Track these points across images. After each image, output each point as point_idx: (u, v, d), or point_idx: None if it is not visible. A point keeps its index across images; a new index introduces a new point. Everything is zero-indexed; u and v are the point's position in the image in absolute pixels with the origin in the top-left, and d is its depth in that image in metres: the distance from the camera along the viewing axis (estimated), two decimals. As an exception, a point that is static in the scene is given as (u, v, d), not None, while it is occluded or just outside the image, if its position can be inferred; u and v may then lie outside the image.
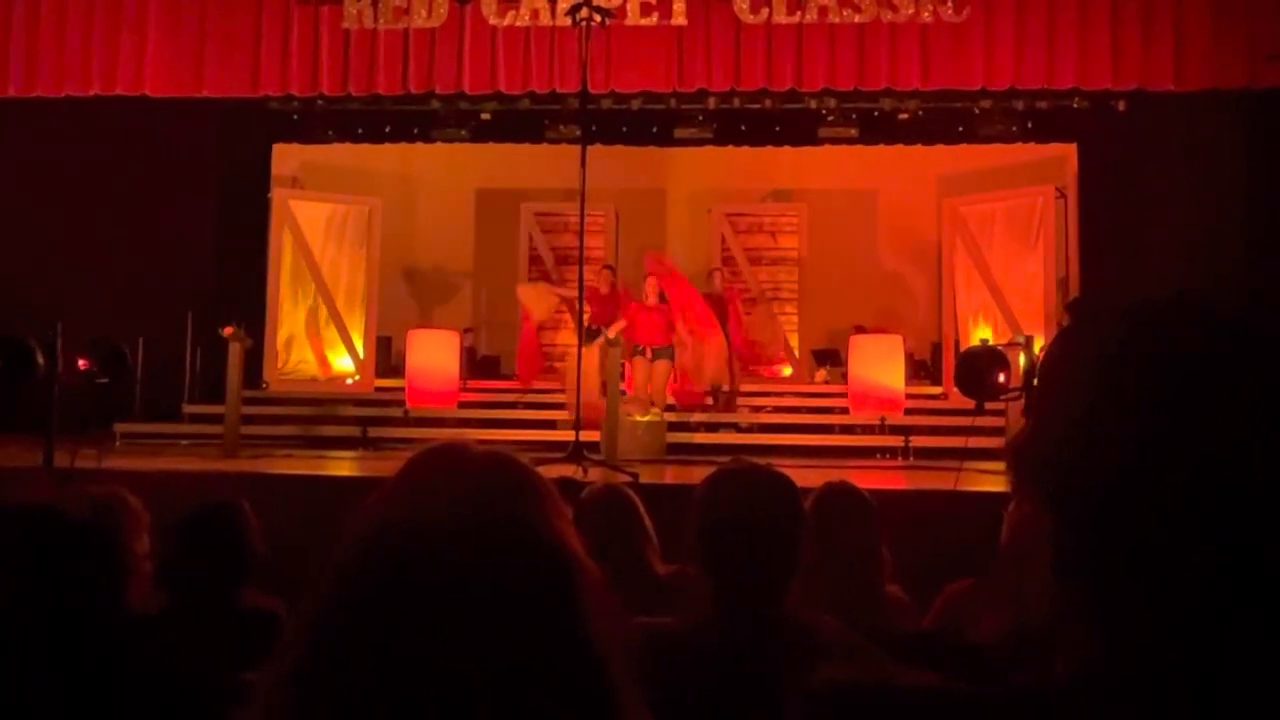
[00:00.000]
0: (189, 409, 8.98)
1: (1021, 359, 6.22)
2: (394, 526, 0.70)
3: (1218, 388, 0.60)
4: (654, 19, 8.37)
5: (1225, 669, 0.59)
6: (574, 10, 6.14)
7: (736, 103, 9.69)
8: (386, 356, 10.34)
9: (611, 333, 7.89)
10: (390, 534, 0.69)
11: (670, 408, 8.37)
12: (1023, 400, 5.84)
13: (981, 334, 8.90)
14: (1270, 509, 0.58)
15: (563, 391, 8.34)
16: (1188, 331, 0.63)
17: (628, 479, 4.93)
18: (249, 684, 0.72)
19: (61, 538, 1.61)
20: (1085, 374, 0.65)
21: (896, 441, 8.30)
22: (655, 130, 10.39)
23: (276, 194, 10.13)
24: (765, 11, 8.34)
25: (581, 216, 6.21)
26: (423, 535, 0.68)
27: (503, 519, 0.70)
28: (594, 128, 8.97)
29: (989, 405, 6.22)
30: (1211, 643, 0.59)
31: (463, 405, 9.17)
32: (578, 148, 6.20)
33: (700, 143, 10.43)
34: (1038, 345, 6.46)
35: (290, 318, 9.82)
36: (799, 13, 8.33)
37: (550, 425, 8.48)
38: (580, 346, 7.02)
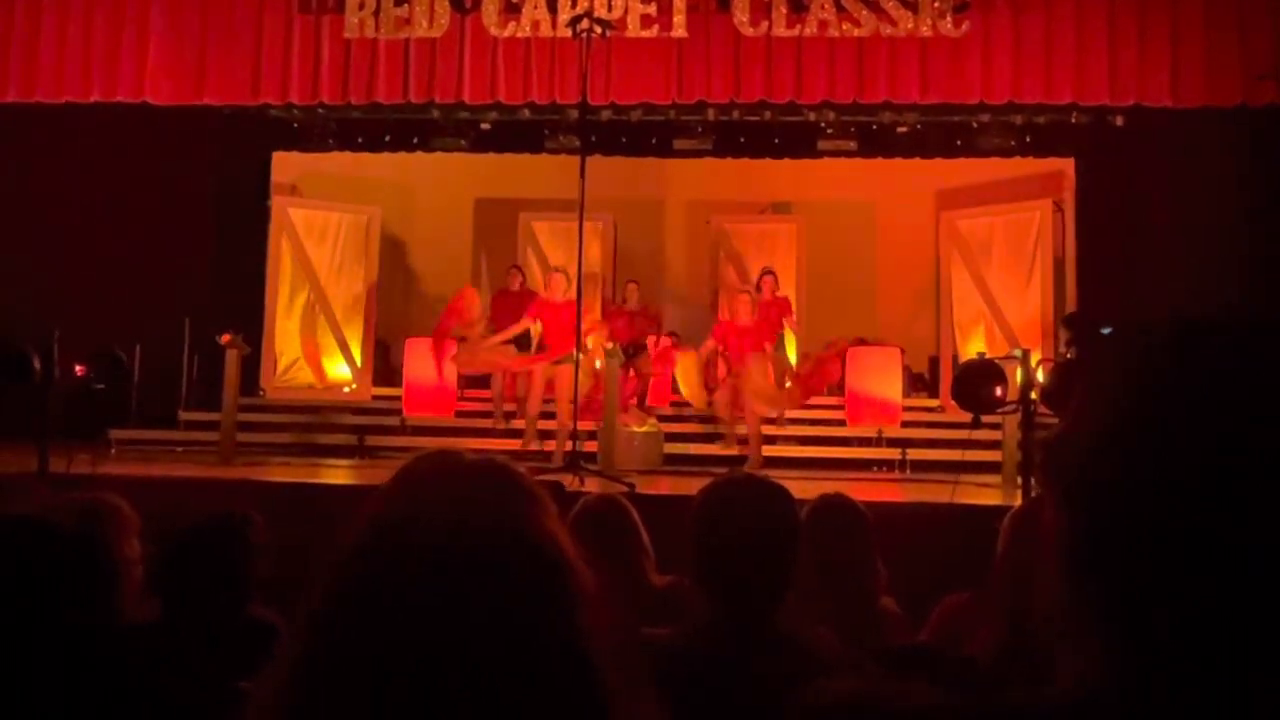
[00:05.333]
0: (185, 416, 8.97)
1: (1018, 373, 6.22)
2: (387, 533, 0.70)
3: (1261, 404, 0.60)
4: (654, 31, 8.40)
5: (1237, 686, 0.58)
6: (574, 22, 6.17)
7: (735, 115, 9.71)
8: (385, 364, 10.34)
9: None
10: (384, 540, 0.69)
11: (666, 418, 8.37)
12: (1019, 414, 5.84)
13: (978, 347, 8.91)
14: None
15: (550, 401, 8.32)
16: (1236, 344, 0.63)
17: (624, 489, 4.92)
18: (244, 692, 0.72)
19: (47, 548, 1.60)
20: (1131, 380, 0.65)
21: (893, 454, 8.29)
22: (654, 141, 10.41)
23: (275, 202, 10.14)
24: (765, 24, 8.37)
25: (580, 227, 6.22)
26: (416, 541, 0.68)
27: (495, 524, 0.70)
28: (593, 138, 8.99)
29: (986, 419, 6.22)
30: (1225, 658, 0.59)
31: (460, 414, 9.16)
32: (577, 158, 6.22)
33: (699, 154, 10.45)
34: (1034, 359, 6.46)
35: (288, 326, 9.82)
36: (798, 26, 8.36)
37: (548, 435, 8.47)
38: (578, 357, 7.01)
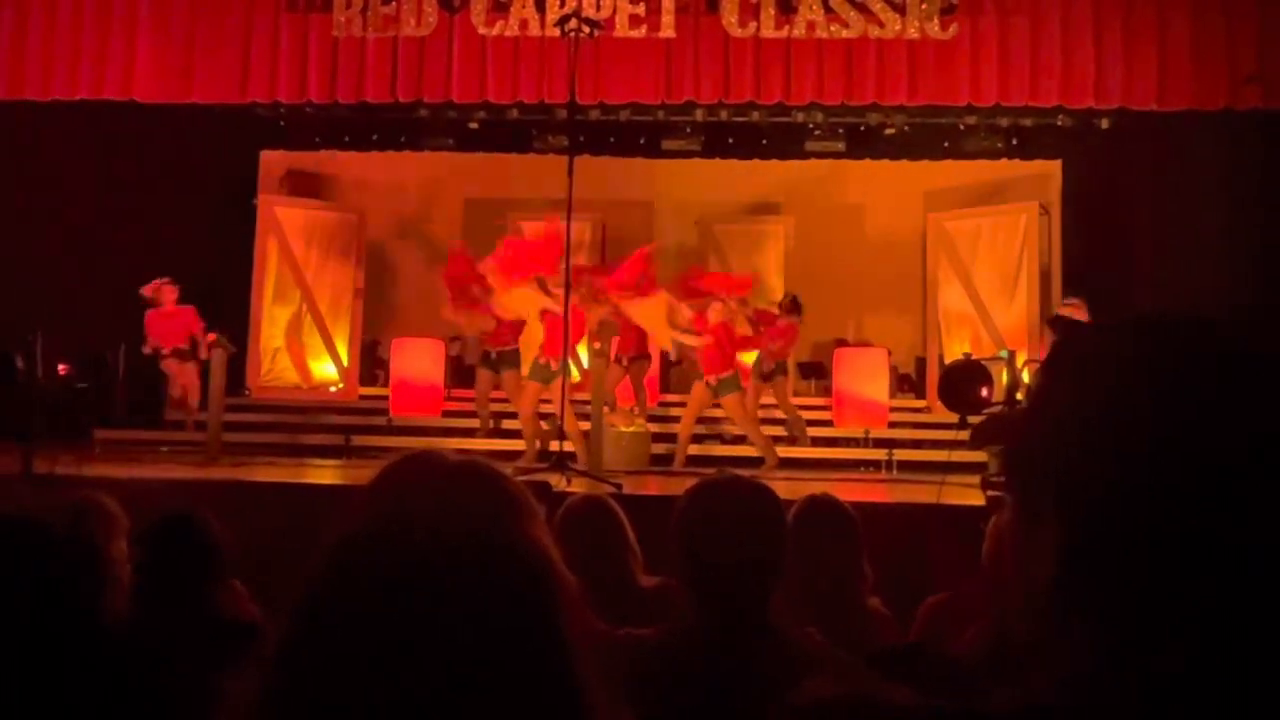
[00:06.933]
0: (170, 416, 8.91)
1: (1004, 374, 6.25)
2: (366, 535, 0.69)
3: (1229, 401, 0.61)
4: (642, 31, 8.40)
5: (1222, 685, 0.58)
6: (563, 21, 6.16)
7: (724, 115, 9.71)
8: (372, 363, 10.30)
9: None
10: (362, 543, 0.68)
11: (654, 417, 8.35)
12: (1005, 414, 5.86)
13: (964, 348, 8.94)
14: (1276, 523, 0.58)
15: (549, 402, 8.31)
16: (1203, 344, 0.64)
17: (611, 490, 4.91)
18: (224, 692, 0.71)
19: (38, 549, 1.59)
20: (1095, 380, 0.65)
21: (880, 455, 8.32)
22: (643, 141, 10.41)
23: (262, 200, 10.10)
24: (753, 25, 8.38)
25: (568, 227, 6.21)
26: (395, 544, 0.67)
27: (476, 528, 0.70)
28: (582, 138, 8.97)
29: (972, 419, 6.25)
30: (1210, 657, 0.59)
31: (446, 414, 9.14)
32: (565, 158, 6.21)
33: (688, 155, 10.46)
34: (1020, 360, 6.50)
35: (274, 325, 9.78)
36: (787, 27, 8.37)
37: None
38: (565, 359, 7.00)
